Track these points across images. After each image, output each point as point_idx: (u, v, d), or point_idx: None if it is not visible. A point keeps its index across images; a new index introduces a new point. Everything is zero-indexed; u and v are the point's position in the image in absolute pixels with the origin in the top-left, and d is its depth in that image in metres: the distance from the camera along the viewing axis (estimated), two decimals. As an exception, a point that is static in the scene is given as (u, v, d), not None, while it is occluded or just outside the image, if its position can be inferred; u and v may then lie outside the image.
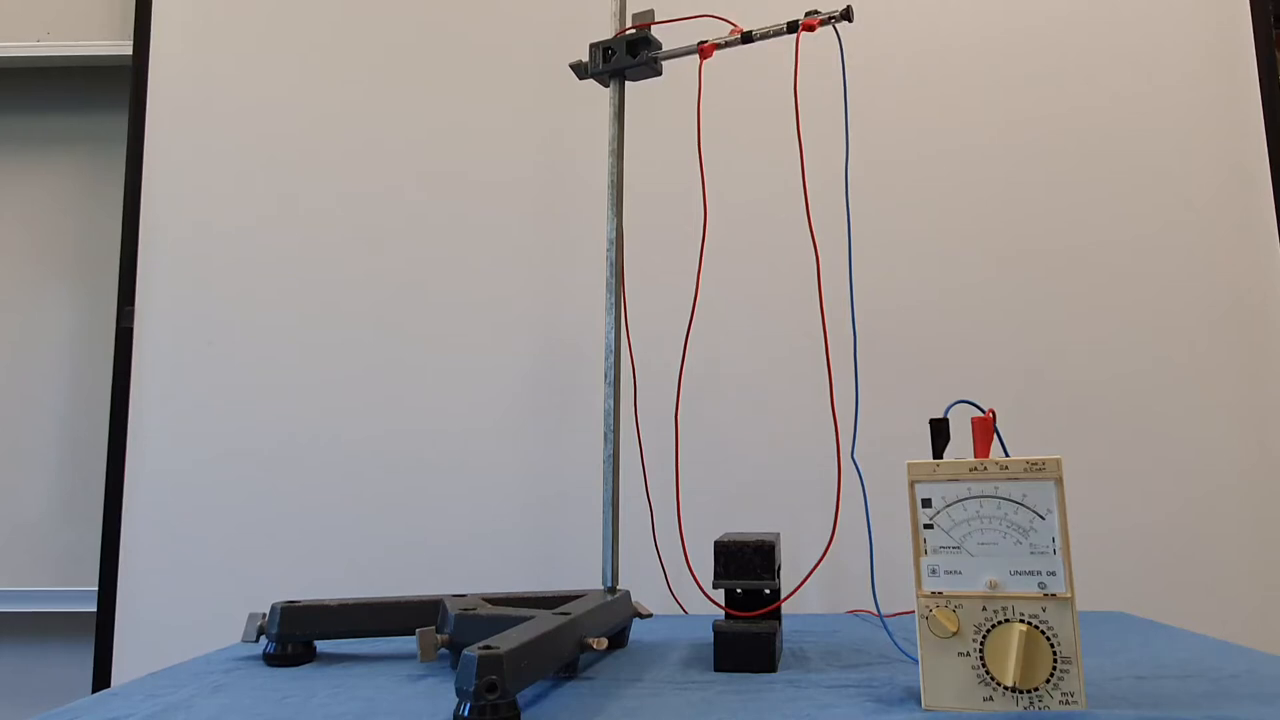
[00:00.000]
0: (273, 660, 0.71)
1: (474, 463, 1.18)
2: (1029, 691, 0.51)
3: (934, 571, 0.54)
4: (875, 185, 1.16)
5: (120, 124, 1.28)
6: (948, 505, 0.54)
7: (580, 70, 0.86)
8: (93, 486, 1.23)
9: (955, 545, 0.54)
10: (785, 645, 0.75)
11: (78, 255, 1.38)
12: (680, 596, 0.83)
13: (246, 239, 1.25)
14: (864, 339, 0.69)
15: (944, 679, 0.53)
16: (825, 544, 0.67)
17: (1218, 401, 1.10)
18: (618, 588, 0.78)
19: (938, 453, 0.57)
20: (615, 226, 0.82)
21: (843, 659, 0.71)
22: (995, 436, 0.56)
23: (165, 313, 1.23)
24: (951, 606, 0.53)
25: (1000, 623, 0.52)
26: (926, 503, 0.55)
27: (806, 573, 0.70)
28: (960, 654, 0.53)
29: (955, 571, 0.54)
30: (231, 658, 0.74)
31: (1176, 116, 1.18)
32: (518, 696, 0.51)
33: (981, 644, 0.52)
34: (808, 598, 1.07)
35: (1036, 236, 1.17)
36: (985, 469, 0.54)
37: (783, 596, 0.68)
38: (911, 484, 0.55)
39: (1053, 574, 0.52)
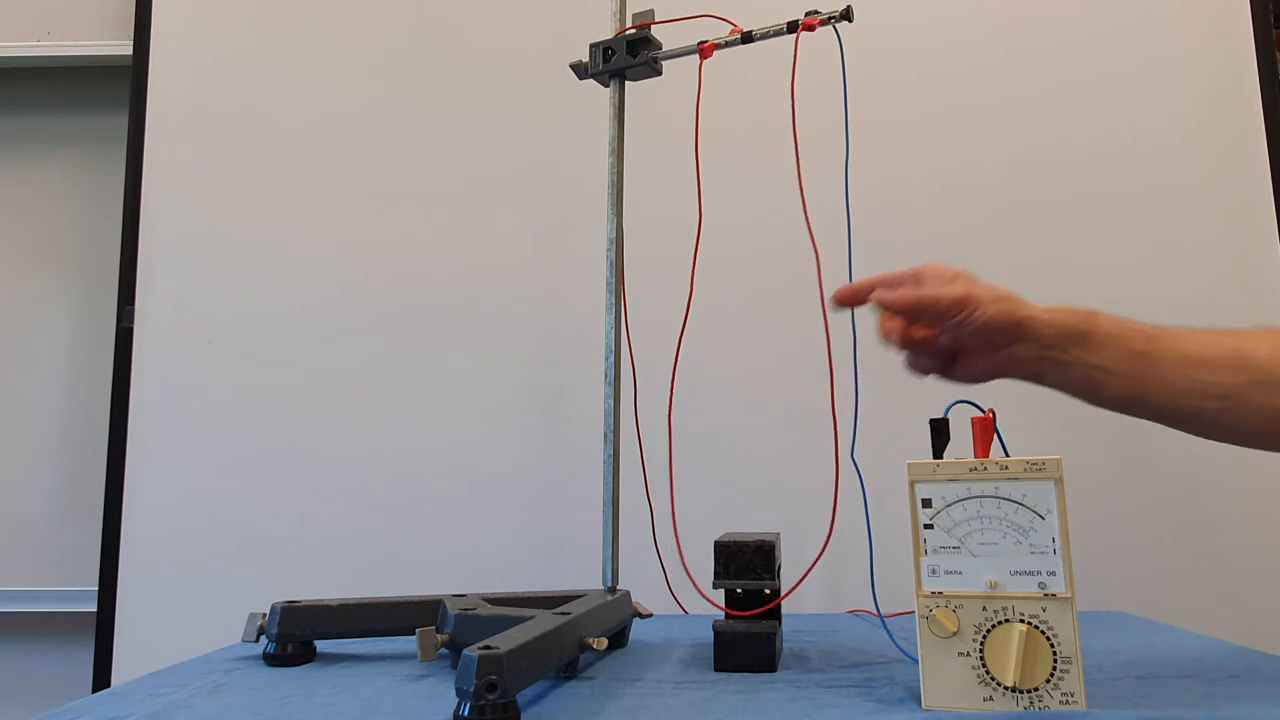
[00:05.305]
0: (273, 660, 0.71)
1: (474, 462, 1.17)
2: (1029, 691, 0.51)
3: (934, 571, 0.54)
4: (876, 184, 1.16)
5: (120, 124, 1.28)
6: (948, 505, 0.55)
7: (580, 70, 0.86)
8: (93, 486, 1.23)
9: (955, 545, 0.54)
10: (785, 645, 0.75)
11: (78, 255, 1.38)
12: (680, 596, 0.83)
13: (246, 239, 1.25)
14: (864, 338, 0.69)
15: (944, 679, 0.53)
16: (825, 543, 0.67)
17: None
18: (618, 588, 0.78)
19: (938, 453, 0.57)
20: (615, 226, 0.82)
21: (843, 659, 0.70)
22: (995, 436, 0.56)
23: (165, 313, 1.23)
24: (951, 606, 0.53)
25: (1000, 623, 0.52)
26: (926, 503, 0.55)
27: (805, 572, 0.70)
28: (960, 654, 0.53)
29: (955, 571, 0.54)
30: (231, 658, 0.74)
31: (1177, 116, 1.18)
32: (518, 696, 0.51)
33: (981, 644, 0.52)
34: (808, 598, 1.07)
35: (1036, 235, 1.17)
36: (985, 469, 0.54)
37: (781, 595, 0.67)
38: (911, 484, 0.55)
39: (1053, 574, 0.52)
